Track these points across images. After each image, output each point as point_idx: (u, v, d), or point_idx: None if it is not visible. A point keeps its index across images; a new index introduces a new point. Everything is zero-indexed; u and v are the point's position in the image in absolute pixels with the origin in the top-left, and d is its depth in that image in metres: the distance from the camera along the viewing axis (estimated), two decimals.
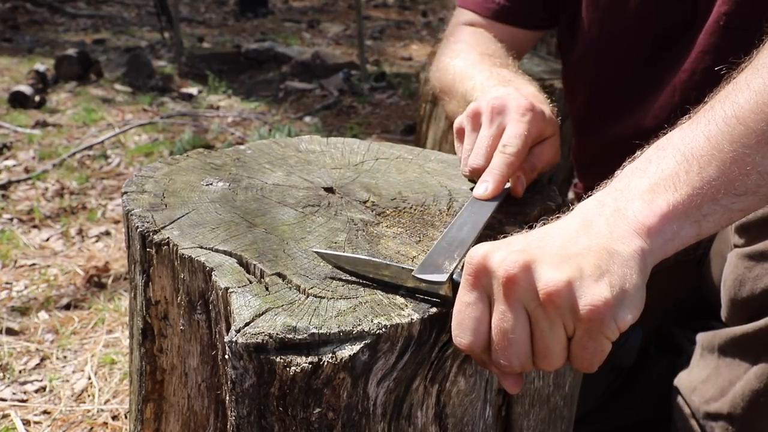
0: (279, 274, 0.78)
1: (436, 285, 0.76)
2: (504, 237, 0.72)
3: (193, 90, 4.72)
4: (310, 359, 0.68)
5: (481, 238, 0.82)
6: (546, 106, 1.02)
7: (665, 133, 0.77)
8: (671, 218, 0.70)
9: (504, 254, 0.66)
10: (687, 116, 0.78)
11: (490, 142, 0.97)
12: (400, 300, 0.75)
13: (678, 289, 1.32)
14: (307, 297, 0.75)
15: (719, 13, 1.14)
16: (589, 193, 0.76)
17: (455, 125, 1.05)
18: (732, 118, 0.72)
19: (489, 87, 1.07)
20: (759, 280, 0.96)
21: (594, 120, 1.39)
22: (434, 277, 0.76)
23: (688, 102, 0.81)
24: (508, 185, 0.96)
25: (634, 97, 1.30)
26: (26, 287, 2.22)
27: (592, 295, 0.63)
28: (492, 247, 0.68)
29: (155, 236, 0.85)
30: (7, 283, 2.24)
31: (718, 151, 0.71)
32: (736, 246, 1.03)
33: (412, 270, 0.76)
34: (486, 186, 0.92)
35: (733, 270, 1.01)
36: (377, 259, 0.78)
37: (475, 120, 1.00)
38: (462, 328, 0.68)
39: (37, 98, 4.20)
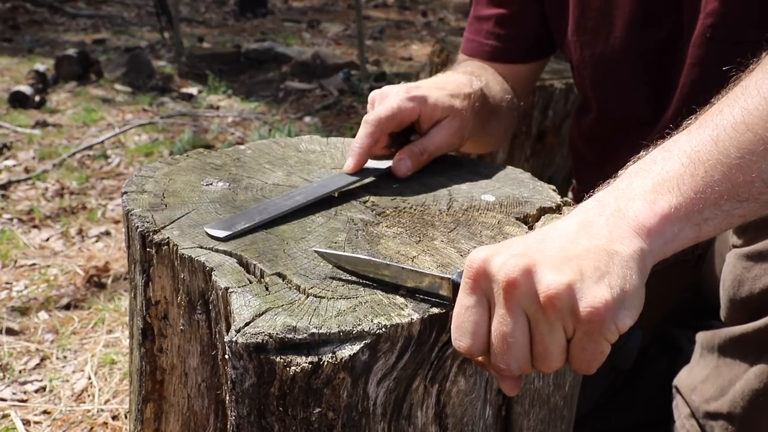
0: (279, 274, 0.78)
1: (214, 240, 0.82)
2: (504, 239, 0.72)
3: (193, 90, 4.72)
4: (310, 359, 0.68)
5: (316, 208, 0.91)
6: (440, 96, 1.06)
7: (670, 135, 0.77)
8: (672, 220, 0.70)
9: (504, 258, 0.66)
10: (693, 117, 0.77)
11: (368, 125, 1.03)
12: (400, 300, 0.75)
13: (677, 288, 1.32)
14: (307, 297, 0.75)
15: (705, 25, 1.13)
16: (591, 192, 0.76)
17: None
18: (741, 125, 0.72)
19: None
20: (758, 280, 0.96)
21: (603, 133, 1.39)
22: (214, 232, 0.83)
23: (679, 114, 0.80)
24: (387, 165, 1.04)
25: (635, 113, 1.29)
26: (26, 287, 2.22)
27: (593, 296, 0.63)
28: (492, 251, 0.68)
29: (155, 236, 0.85)
30: (7, 283, 2.24)
31: (725, 157, 0.71)
32: (734, 246, 1.03)
33: (412, 270, 0.76)
34: (349, 161, 1.01)
35: (731, 270, 1.01)
36: (377, 259, 0.78)
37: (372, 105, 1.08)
38: (461, 332, 0.68)
39: (37, 98, 4.20)
